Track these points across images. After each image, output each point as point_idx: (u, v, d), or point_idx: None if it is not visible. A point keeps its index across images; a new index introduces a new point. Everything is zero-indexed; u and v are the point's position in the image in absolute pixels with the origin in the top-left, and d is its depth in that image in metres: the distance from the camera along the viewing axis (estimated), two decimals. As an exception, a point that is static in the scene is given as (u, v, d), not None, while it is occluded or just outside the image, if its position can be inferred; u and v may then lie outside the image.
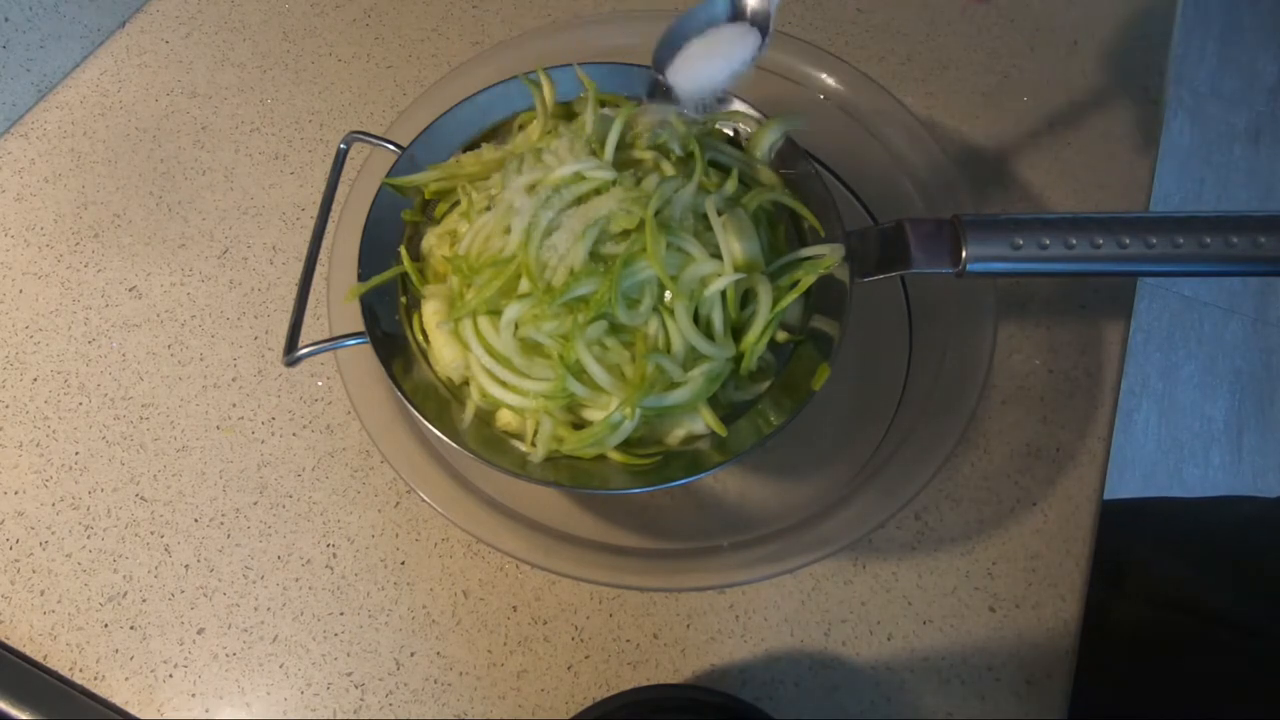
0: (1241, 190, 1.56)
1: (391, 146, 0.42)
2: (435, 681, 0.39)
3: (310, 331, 0.45)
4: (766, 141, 0.40)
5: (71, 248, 0.50)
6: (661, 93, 0.37)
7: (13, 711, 0.38)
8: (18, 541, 0.42)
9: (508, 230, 0.36)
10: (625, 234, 0.35)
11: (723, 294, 0.35)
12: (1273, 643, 0.39)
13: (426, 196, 0.41)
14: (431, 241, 0.40)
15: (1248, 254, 0.36)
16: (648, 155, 0.39)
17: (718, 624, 0.40)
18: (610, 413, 0.34)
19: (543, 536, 0.37)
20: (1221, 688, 0.41)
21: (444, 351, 0.37)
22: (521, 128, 0.42)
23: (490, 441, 0.36)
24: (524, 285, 0.35)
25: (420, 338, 0.38)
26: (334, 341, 0.37)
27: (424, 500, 0.38)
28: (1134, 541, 0.51)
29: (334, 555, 0.42)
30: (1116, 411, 0.45)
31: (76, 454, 0.44)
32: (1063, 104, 0.53)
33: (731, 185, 0.38)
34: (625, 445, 0.35)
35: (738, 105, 0.42)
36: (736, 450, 0.35)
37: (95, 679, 0.40)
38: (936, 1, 0.58)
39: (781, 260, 0.38)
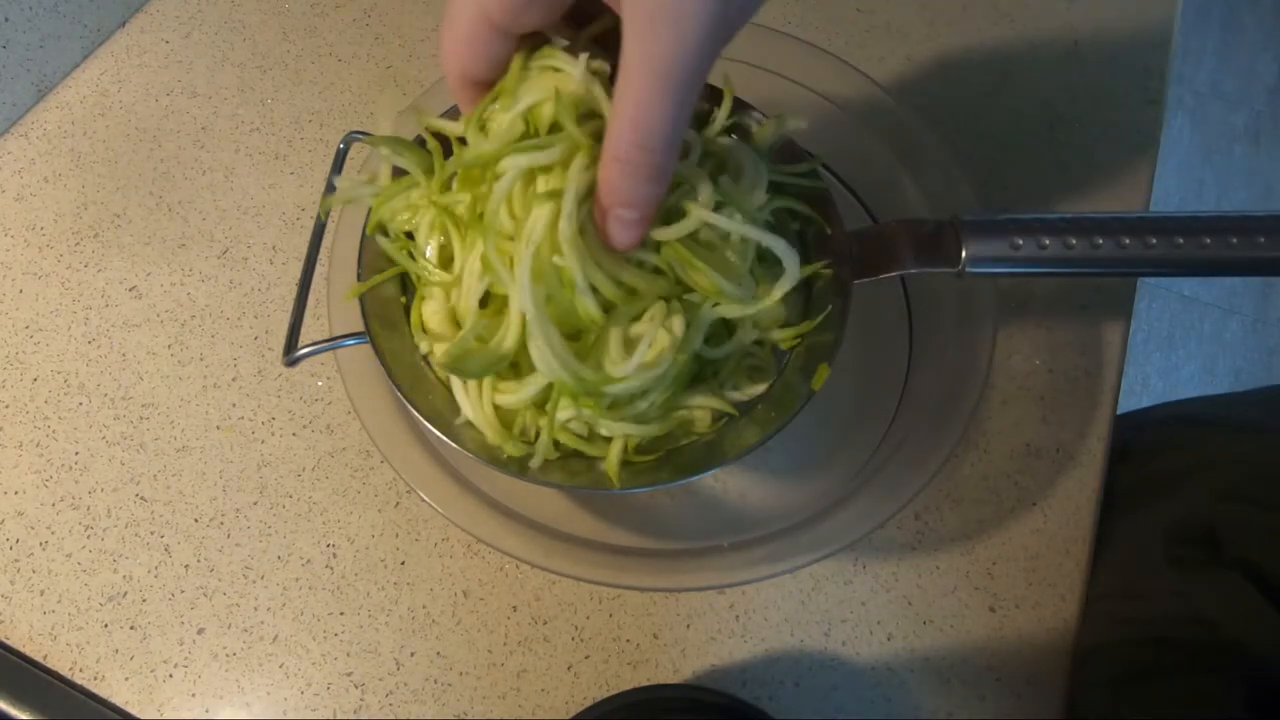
0: (1241, 190, 1.56)
1: (391, 146, 0.42)
2: (435, 681, 0.39)
3: (311, 332, 0.45)
4: (766, 141, 0.40)
5: (71, 248, 0.50)
6: None
7: (13, 711, 0.38)
8: (18, 541, 0.42)
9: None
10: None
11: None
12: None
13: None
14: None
15: (1248, 254, 0.36)
16: None
17: (718, 624, 0.40)
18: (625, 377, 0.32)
19: (543, 536, 0.37)
20: (1220, 689, 0.41)
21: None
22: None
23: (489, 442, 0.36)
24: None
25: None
26: (333, 342, 0.37)
27: (424, 500, 0.38)
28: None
29: (334, 555, 0.42)
30: (1116, 411, 0.45)
31: (76, 454, 0.44)
32: (1063, 104, 0.53)
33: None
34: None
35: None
36: (736, 450, 0.35)
37: (95, 679, 0.40)
38: (936, 2, 0.58)
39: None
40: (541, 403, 0.34)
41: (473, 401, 0.35)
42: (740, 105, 0.38)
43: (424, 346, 0.37)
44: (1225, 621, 0.35)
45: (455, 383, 0.35)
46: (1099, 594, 0.42)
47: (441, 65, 0.30)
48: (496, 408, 0.35)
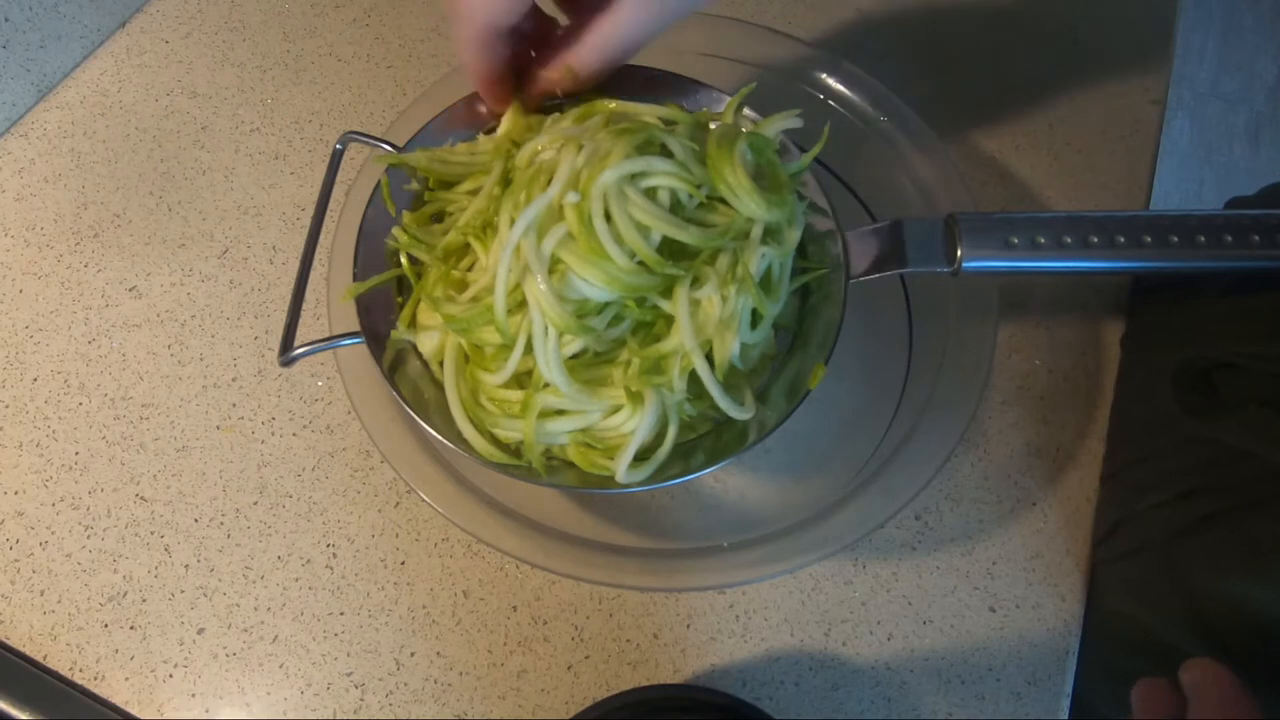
0: (1241, 190, 1.56)
1: (387, 146, 0.42)
2: (435, 681, 0.39)
3: (312, 331, 0.45)
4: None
5: (71, 248, 0.50)
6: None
7: (13, 711, 0.38)
8: (18, 541, 0.42)
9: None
10: None
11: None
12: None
13: (426, 199, 0.41)
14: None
15: (1242, 252, 0.36)
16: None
17: (718, 624, 0.40)
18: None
19: (543, 536, 0.37)
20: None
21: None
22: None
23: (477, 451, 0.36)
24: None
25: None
26: (329, 341, 0.37)
27: (424, 500, 0.38)
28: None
29: (334, 555, 0.42)
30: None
31: (76, 454, 0.44)
32: (1063, 104, 0.53)
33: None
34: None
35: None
36: (735, 449, 0.35)
37: (95, 679, 0.40)
38: (937, 1, 0.58)
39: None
40: (522, 383, 0.34)
41: (458, 400, 0.35)
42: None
43: (421, 345, 0.37)
44: (1263, 450, 0.35)
45: (449, 389, 0.35)
46: (1109, 472, 0.42)
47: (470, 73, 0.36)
48: (494, 437, 0.35)
